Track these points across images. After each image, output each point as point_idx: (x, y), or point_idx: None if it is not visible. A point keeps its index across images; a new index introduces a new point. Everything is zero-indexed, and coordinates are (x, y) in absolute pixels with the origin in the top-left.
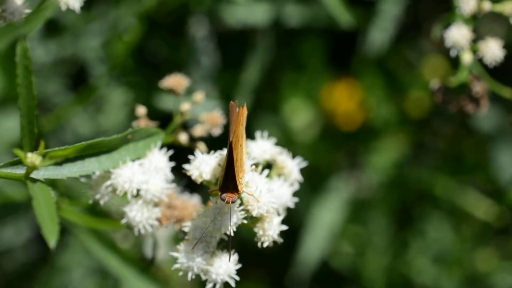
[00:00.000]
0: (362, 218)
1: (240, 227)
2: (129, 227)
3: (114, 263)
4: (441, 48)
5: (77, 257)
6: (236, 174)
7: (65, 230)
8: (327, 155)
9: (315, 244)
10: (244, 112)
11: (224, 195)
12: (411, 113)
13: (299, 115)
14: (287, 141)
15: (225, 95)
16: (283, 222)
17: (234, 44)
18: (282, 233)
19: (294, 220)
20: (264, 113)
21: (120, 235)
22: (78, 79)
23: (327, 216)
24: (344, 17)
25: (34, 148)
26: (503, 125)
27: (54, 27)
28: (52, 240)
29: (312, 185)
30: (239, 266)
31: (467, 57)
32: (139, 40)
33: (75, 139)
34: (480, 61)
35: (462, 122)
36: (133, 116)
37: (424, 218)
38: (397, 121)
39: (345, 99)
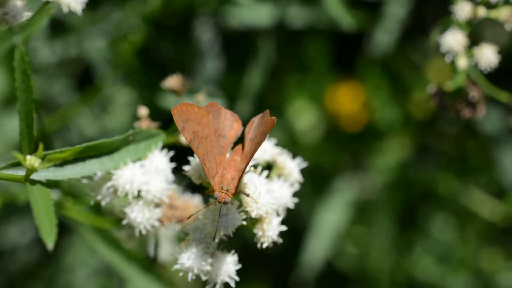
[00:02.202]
0: (366, 219)
1: (243, 229)
2: (131, 227)
3: (118, 261)
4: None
5: (81, 257)
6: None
7: (69, 229)
8: (331, 156)
9: (319, 245)
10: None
11: (217, 193)
12: (415, 115)
13: (303, 116)
14: (291, 143)
15: (229, 96)
16: (285, 223)
17: (238, 46)
18: (286, 234)
19: (298, 221)
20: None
21: (124, 234)
22: (83, 79)
23: (331, 217)
24: (345, 19)
25: (33, 151)
26: (506, 127)
27: (59, 28)
28: (49, 242)
29: (316, 187)
30: (239, 266)
31: (462, 63)
32: (144, 41)
33: (80, 139)
34: (476, 66)
35: (466, 124)
36: (138, 117)
37: (429, 218)
38: (401, 123)
39: (349, 101)
